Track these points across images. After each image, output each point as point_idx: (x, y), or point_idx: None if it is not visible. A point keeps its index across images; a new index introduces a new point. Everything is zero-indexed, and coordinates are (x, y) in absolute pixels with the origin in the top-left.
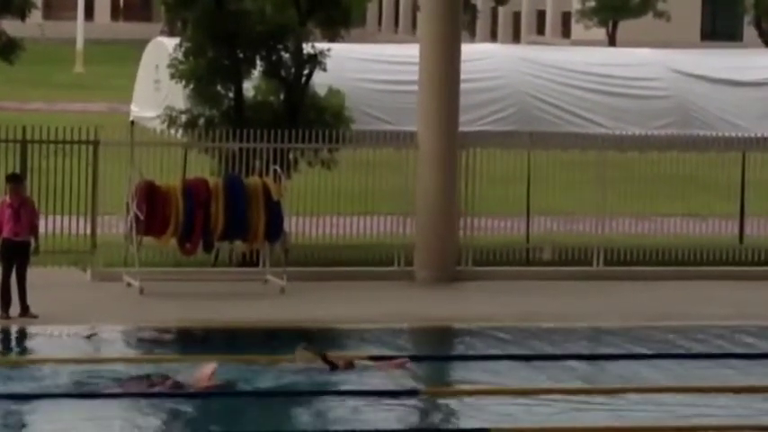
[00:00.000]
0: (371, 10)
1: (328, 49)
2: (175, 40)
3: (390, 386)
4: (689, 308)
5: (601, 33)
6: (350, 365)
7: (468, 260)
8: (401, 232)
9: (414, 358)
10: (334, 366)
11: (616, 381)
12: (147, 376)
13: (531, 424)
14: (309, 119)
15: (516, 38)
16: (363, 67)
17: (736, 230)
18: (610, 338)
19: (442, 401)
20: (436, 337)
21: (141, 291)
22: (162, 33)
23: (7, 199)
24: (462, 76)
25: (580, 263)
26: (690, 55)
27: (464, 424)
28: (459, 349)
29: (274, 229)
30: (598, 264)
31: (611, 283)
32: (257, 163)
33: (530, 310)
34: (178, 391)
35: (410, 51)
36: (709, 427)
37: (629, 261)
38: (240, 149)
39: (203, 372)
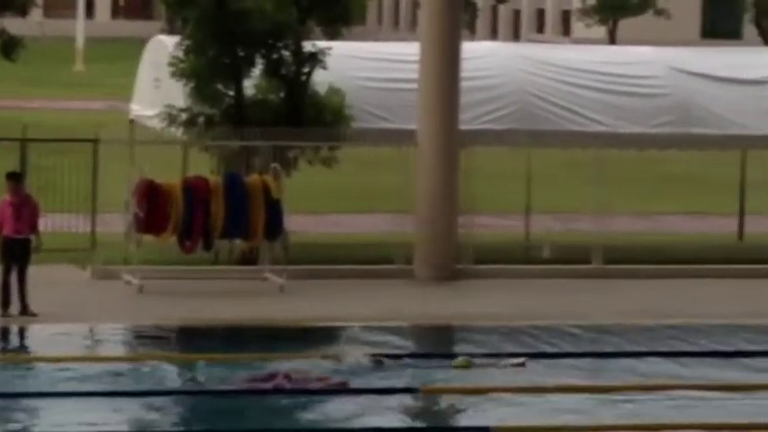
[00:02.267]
0: (372, 8)
1: (329, 48)
2: (176, 39)
3: None
4: (687, 306)
5: (601, 32)
6: None
7: (467, 258)
8: (401, 230)
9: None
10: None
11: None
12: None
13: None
14: (309, 117)
15: (516, 36)
16: (364, 66)
17: (736, 228)
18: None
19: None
20: (438, 336)
21: (141, 289)
22: (162, 32)
23: (8, 197)
24: (462, 74)
25: (579, 261)
26: (690, 53)
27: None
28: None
29: (274, 227)
30: (598, 262)
31: (611, 281)
32: (257, 161)
33: (532, 308)
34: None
35: (410, 49)
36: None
37: (628, 259)
38: (240, 148)
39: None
